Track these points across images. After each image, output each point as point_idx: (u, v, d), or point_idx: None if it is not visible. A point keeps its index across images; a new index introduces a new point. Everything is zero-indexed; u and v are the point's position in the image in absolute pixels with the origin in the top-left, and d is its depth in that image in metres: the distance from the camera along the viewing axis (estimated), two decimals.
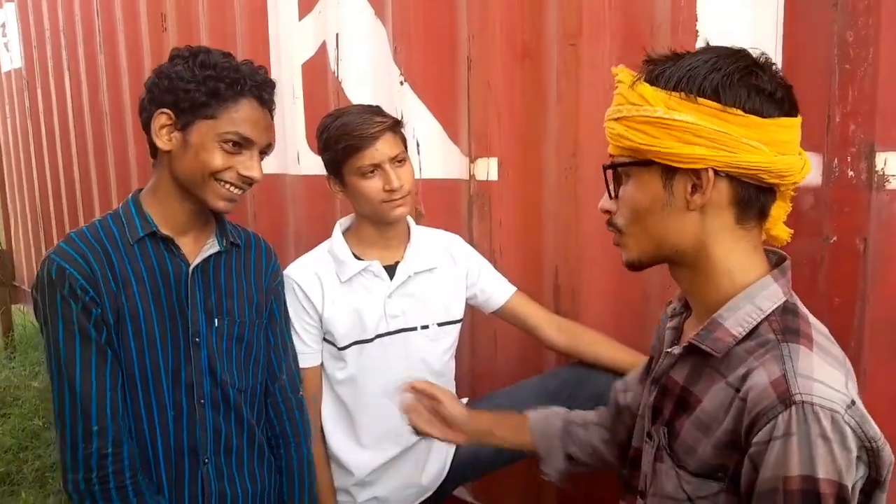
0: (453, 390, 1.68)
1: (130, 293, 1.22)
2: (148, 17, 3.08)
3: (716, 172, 0.87)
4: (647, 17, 1.52)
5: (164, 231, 1.26)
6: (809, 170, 0.92)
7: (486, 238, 1.89)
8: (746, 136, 0.85)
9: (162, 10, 2.97)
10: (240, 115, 1.21)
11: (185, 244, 1.29)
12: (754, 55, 0.89)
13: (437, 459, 1.61)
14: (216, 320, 1.30)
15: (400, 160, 1.47)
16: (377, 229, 1.51)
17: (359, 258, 1.52)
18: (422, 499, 1.60)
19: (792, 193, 0.95)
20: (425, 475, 1.59)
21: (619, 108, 0.92)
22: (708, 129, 0.85)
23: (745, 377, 0.85)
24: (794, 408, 0.78)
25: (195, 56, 1.21)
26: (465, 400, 1.73)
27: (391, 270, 1.53)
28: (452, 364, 1.66)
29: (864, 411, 0.81)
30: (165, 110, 1.20)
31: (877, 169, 1.26)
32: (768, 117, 0.86)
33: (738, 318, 0.89)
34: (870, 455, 0.80)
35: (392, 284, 1.52)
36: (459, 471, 1.64)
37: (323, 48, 2.28)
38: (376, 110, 1.47)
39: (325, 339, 1.53)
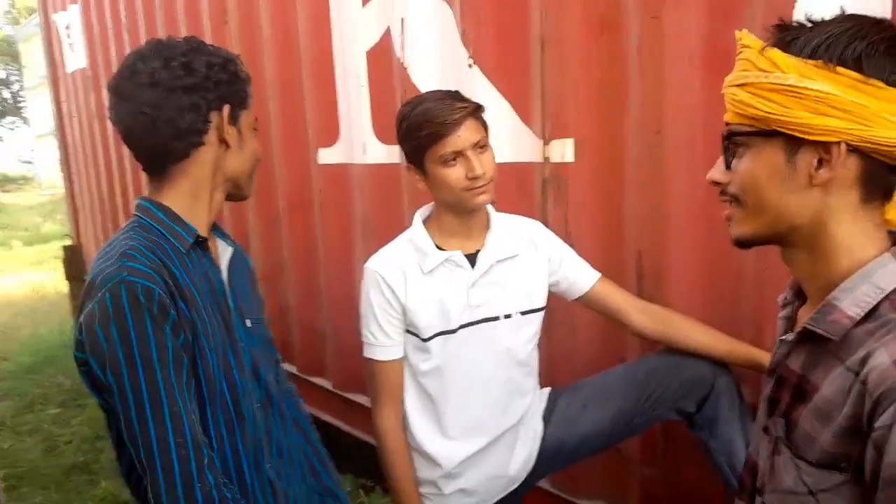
0: (537, 380, 1.64)
1: (197, 308, 1.11)
2: (209, 11, 3.11)
3: (848, 147, 0.81)
4: None
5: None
6: None
7: (562, 223, 1.83)
8: (887, 110, 0.79)
9: (223, 3, 2.99)
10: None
11: (210, 248, 1.22)
12: (887, 23, 0.82)
13: (525, 449, 1.57)
14: (248, 322, 1.25)
15: (482, 146, 1.42)
16: (458, 218, 1.48)
17: (440, 248, 1.49)
18: (509, 490, 1.57)
19: None
20: (513, 465, 1.56)
21: (745, 73, 0.86)
22: (845, 101, 0.79)
23: (864, 360, 0.80)
24: None
25: (213, 48, 1.17)
26: (547, 390, 1.70)
27: (472, 259, 1.50)
28: (536, 353, 1.61)
29: None
30: (228, 105, 1.15)
31: None
32: None
33: (854, 299, 0.84)
34: None
35: (474, 273, 1.48)
36: (546, 461, 1.60)
37: (388, 34, 2.25)
38: (456, 95, 1.43)
39: (408, 332, 1.51)
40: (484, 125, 1.45)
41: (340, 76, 2.47)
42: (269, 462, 1.24)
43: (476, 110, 1.42)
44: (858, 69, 0.79)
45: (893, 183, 0.86)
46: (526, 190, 1.92)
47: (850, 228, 0.85)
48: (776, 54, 0.83)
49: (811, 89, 0.80)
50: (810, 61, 0.81)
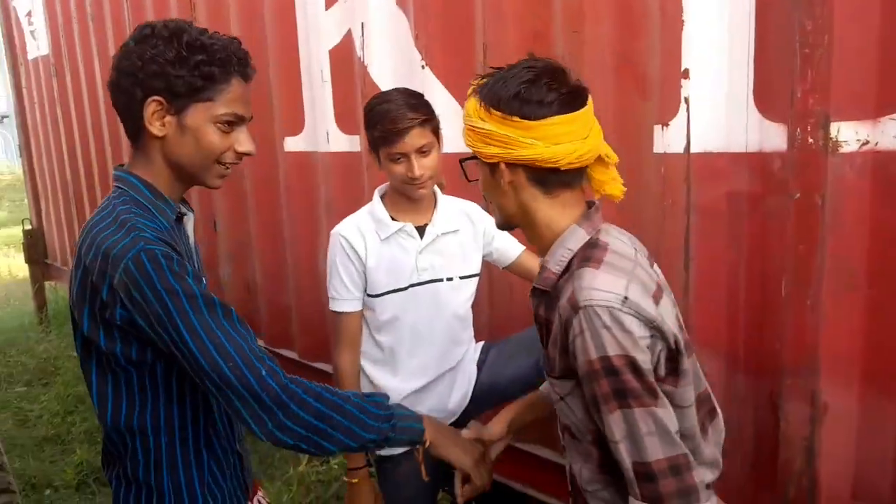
0: (472, 333, 1.95)
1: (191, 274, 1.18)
2: (177, 8, 3.30)
3: (507, 164, 1.15)
4: (639, 7, 1.75)
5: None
6: (589, 152, 1.15)
7: None
8: (522, 136, 1.13)
9: (192, 0, 3.19)
10: (232, 95, 1.19)
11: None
12: (539, 67, 1.15)
13: (461, 389, 1.89)
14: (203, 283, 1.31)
15: (425, 151, 1.65)
16: (407, 199, 1.77)
17: (394, 219, 1.77)
18: (449, 422, 1.87)
19: (612, 162, 1.20)
20: (451, 402, 1.87)
21: (467, 115, 1.20)
22: (498, 134, 1.14)
23: (560, 299, 1.16)
24: (581, 311, 1.09)
25: (177, 36, 1.14)
26: (482, 343, 2.00)
27: (421, 231, 1.79)
28: (471, 311, 1.92)
29: (639, 301, 1.09)
30: (157, 97, 1.14)
31: (831, 136, 1.50)
32: (538, 119, 1.12)
33: (556, 259, 1.20)
34: (657, 331, 1.10)
35: (422, 243, 1.78)
36: (478, 400, 1.92)
37: (349, 35, 2.52)
38: (414, 104, 1.64)
39: (365, 293, 1.79)
40: (434, 130, 1.69)
41: (305, 72, 2.73)
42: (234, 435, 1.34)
43: (424, 122, 1.64)
44: (501, 110, 1.13)
45: (563, 177, 1.17)
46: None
47: (546, 211, 1.20)
48: (470, 101, 1.18)
49: (481, 128, 1.16)
50: (481, 106, 1.15)
